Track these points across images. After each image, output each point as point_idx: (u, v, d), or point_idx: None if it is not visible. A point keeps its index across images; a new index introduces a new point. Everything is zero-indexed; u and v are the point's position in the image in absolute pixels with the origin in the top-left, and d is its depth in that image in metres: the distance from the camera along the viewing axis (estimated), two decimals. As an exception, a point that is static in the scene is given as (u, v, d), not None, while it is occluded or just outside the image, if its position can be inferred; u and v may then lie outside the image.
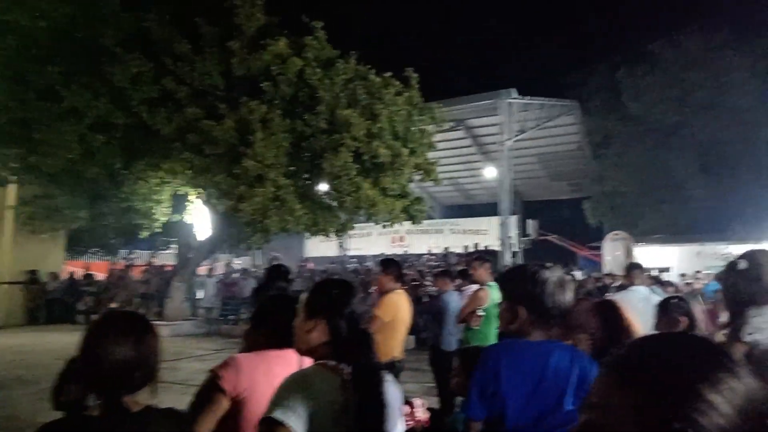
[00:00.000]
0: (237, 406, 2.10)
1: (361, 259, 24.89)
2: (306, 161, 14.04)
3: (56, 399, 2.22)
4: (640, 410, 0.71)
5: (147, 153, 13.86)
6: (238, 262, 22.60)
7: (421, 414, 2.34)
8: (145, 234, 16.67)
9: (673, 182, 21.71)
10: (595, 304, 2.51)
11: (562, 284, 2.06)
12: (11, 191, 15.48)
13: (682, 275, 16.31)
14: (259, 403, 2.08)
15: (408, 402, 2.24)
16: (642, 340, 0.85)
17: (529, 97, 18.84)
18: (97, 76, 12.50)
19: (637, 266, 5.95)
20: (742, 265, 2.63)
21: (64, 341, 12.62)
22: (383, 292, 5.04)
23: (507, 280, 2.23)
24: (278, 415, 1.59)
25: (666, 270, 19.00)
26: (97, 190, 14.36)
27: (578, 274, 18.28)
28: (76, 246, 19.53)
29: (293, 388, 1.66)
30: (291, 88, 13.08)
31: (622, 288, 6.24)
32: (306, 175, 14.40)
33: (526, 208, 28.78)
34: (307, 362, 2.10)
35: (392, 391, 1.78)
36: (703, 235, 19.20)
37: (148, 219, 15.57)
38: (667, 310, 3.64)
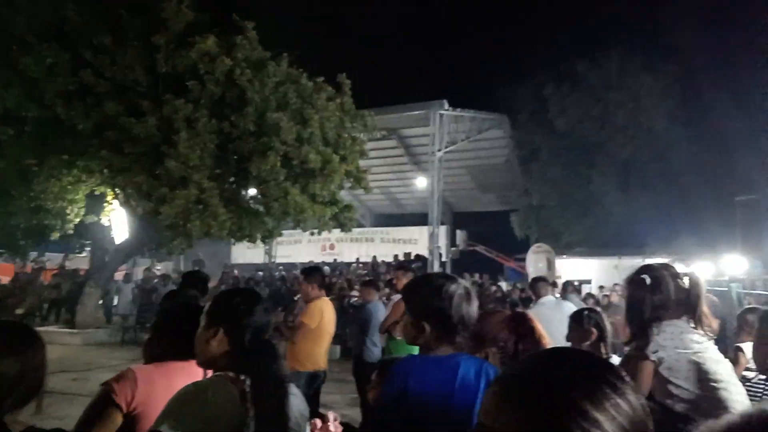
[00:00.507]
0: (131, 421, 1.96)
1: (289, 266, 24.48)
2: (232, 164, 13.63)
3: None
4: (525, 427, 0.71)
5: (61, 149, 13.04)
6: (159, 267, 21.69)
7: (334, 429, 2.21)
8: (56, 235, 15.65)
9: (593, 198, 22.69)
10: (506, 316, 2.46)
11: (468, 297, 2.02)
12: None
13: (601, 287, 16.94)
14: (155, 418, 1.97)
15: (321, 415, 2.14)
16: (530, 356, 0.84)
17: (460, 109, 19.17)
18: (6, 65, 11.66)
19: (539, 279, 6.21)
20: (646, 280, 2.62)
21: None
22: (308, 301, 4.98)
23: (411, 293, 2.15)
24: (168, 427, 1.50)
25: (587, 282, 19.73)
26: (3, 186, 13.38)
27: (504, 285, 18.71)
28: (-23, 246, 18.13)
29: (185, 400, 1.58)
30: (219, 88, 12.67)
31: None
32: (232, 179, 13.98)
33: (456, 219, 29.27)
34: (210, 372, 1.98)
35: (296, 403, 1.72)
36: (621, 249, 20.09)
37: (61, 219, 14.64)
38: (579, 321, 3.70)
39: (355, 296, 13.29)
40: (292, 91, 13.23)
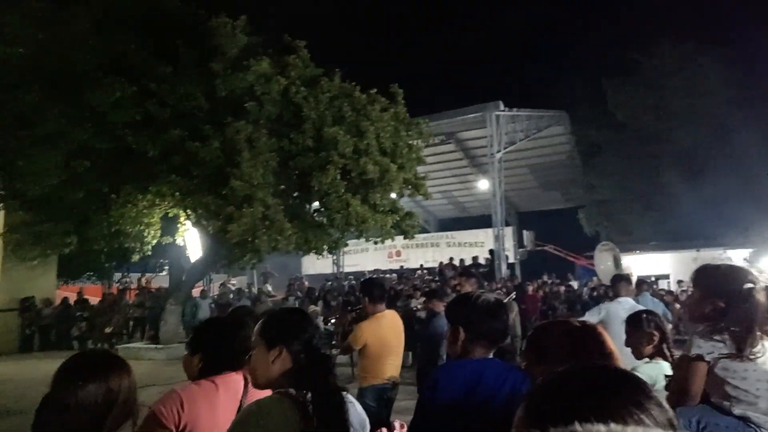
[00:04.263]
0: None
1: (358, 275, 24.77)
2: (294, 180, 14.01)
3: None
4: None
5: (134, 177, 13.80)
6: (233, 282, 22.49)
7: None
8: (136, 257, 16.59)
9: (660, 189, 21.74)
10: (570, 329, 2.35)
11: (496, 308, 2.24)
12: (-1, 219, 15.44)
13: (680, 282, 16.23)
14: None
15: (387, 423, 2.22)
16: (556, 372, 0.83)
17: (516, 109, 18.90)
18: (76, 102, 12.46)
19: (623, 278, 5.92)
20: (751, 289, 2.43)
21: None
22: (366, 315, 4.93)
23: (452, 305, 2.44)
24: None
25: (665, 277, 18.93)
26: (84, 214, 14.29)
27: (575, 284, 18.22)
28: (69, 271, 19.43)
29: (250, 419, 1.64)
30: (276, 108, 13.09)
31: (612, 299, 6.20)
32: (295, 194, 14.36)
33: (522, 219, 28.78)
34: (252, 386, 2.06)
35: (355, 413, 1.77)
36: (699, 241, 19.15)
37: (139, 242, 15.50)
38: (638, 324, 3.56)
39: (419, 306, 13.31)
40: (347, 105, 13.48)
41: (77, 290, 19.90)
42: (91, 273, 21.01)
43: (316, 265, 26.64)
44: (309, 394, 1.67)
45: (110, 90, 12.29)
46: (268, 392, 1.79)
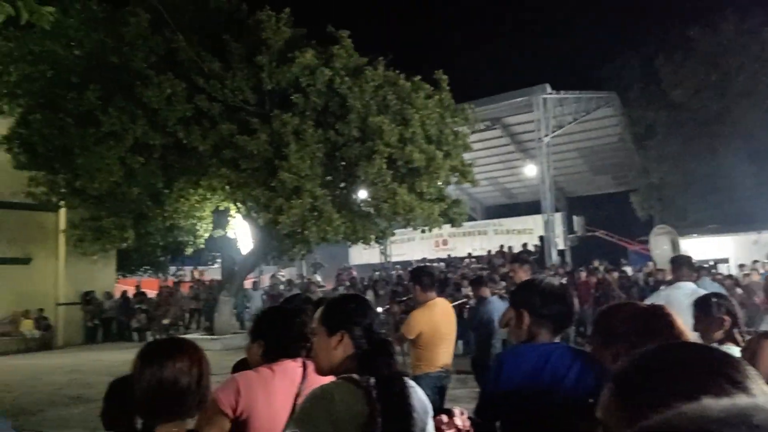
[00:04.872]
0: (239, 426, 2.10)
1: (405, 264, 24.79)
2: (341, 170, 14.11)
3: (106, 421, 2.37)
4: (633, 424, 0.69)
5: (186, 171, 14.20)
6: (282, 273, 22.86)
7: (461, 422, 2.28)
8: (190, 250, 17.11)
9: (720, 171, 20.84)
10: (637, 310, 2.27)
11: (561, 291, 2.25)
12: (62, 216, 16.11)
13: (741, 266, 15.59)
14: (260, 421, 2.11)
15: (447, 411, 2.22)
16: (642, 352, 0.81)
17: (563, 92, 18.46)
18: (132, 99, 12.89)
19: (684, 261, 5.65)
20: None
21: (119, 359, 13.01)
22: (417, 303, 4.89)
23: (517, 289, 2.49)
24: (302, 429, 1.62)
25: (724, 261, 18.22)
26: (140, 210, 14.80)
27: (629, 270, 17.73)
28: (126, 265, 20.16)
29: (315, 403, 1.67)
30: (321, 99, 13.19)
31: (670, 284, 5.95)
32: (342, 185, 14.46)
33: (571, 205, 28.15)
34: (312, 372, 2.07)
35: (418, 398, 1.77)
36: (760, 223, 18.33)
37: (192, 235, 15.98)
38: (708, 309, 3.39)
39: (467, 294, 13.22)
40: (391, 94, 13.45)
41: (135, 283, 20.64)
42: (148, 266, 21.74)
43: (363, 255, 26.77)
44: (372, 379, 1.68)
45: (162, 87, 12.64)
46: (327, 379, 1.80)
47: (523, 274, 5.58)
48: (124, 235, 14.37)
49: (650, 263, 16.36)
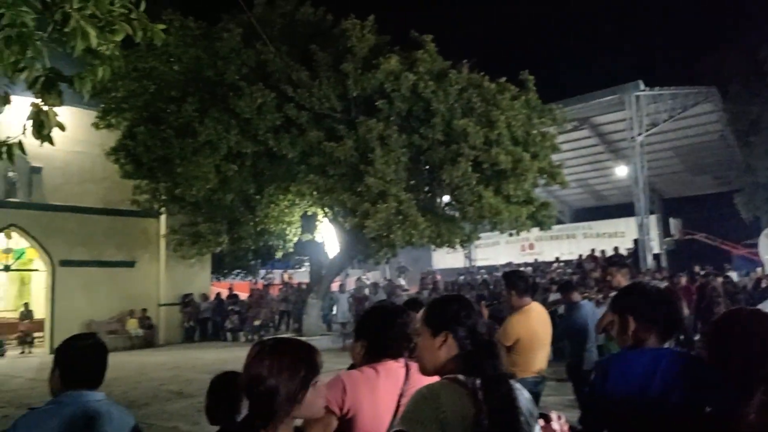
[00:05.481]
0: (346, 424, 2.13)
1: (489, 269, 24.45)
2: (425, 174, 14.14)
3: (210, 416, 2.50)
4: None
5: (275, 178, 14.73)
6: (367, 276, 23.15)
7: (558, 428, 2.20)
8: (280, 254, 17.69)
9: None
10: (761, 317, 2.13)
11: (668, 295, 2.22)
12: (162, 222, 17.15)
13: None
14: (367, 419, 2.13)
15: (544, 415, 2.15)
16: None
17: (658, 88, 17.56)
18: (226, 110, 13.55)
19: None
20: None
21: (215, 357, 13.66)
22: (511, 307, 4.79)
23: (620, 294, 2.39)
24: (410, 428, 1.61)
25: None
26: (234, 215, 15.50)
27: (734, 276, 16.59)
28: (220, 268, 21.10)
29: (423, 403, 1.67)
30: (405, 104, 13.28)
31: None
32: (426, 188, 14.48)
33: (667, 206, 26.80)
34: (415, 372, 2.07)
35: (524, 400, 1.74)
36: None
37: (282, 240, 16.52)
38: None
39: (556, 298, 12.83)
40: (476, 96, 13.34)
41: (227, 286, 21.55)
42: (239, 270, 22.67)
43: (446, 259, 26.64)
44: (478, 381, 1.65)
45: (254, 97, 13.19)
46: (430, 379, 1.78)
47: (621, 278, 5.33)
48: (219, 240, 15.10)
49: (759, 268, 15.25)
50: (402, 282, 21.46)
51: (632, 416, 2.00)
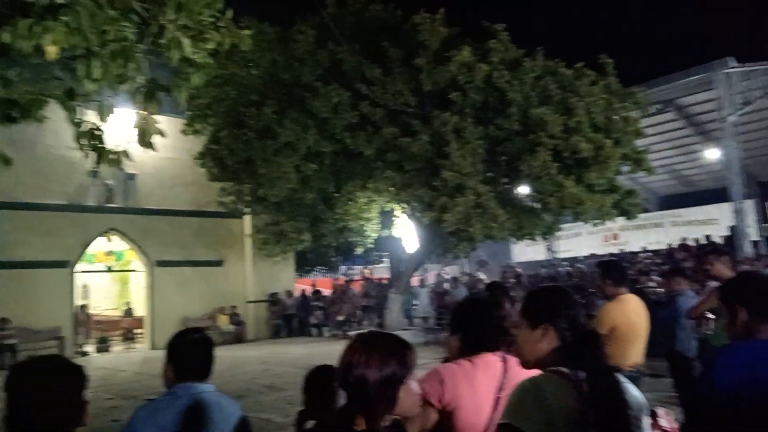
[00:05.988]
0: (446, 417, 2.13)
1: (572, 261, 23.74)
2: (503, 166, 13.94)
3: (308, 409, 2.61)
4: None
5: (353, 175, 14.99)
6: (446, 271, 23.09)
7: (667, 424, 2.13)
8: (360, 250, 18.01)
9: None
10: None
11: None
12: (247, 221, 17.83)
13: None
14: (467, 412, 2.12)
15: (651, 411, 2.08)
16: None
17: (751, 63, 16.43)
18: (303, 111, 13.91)
19: None
20: None
21: (302, 352, 14.08)
22: (605, 297, 4.66)
23: (730, 284, 2.31)
24: (515, 421, 1.60)
25: None
26: (315, 213, 15.92)
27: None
28: (302, 265, 21.71)
29: (526, 395, 1.65)
30: (480, 95, 13.13)
31: None
32: (505, 180, 14.27)
33: (764, 190, 25.03)
34: (514, 365, 2.07)
35: (631, 393, 1.69)
36: None
37: (362, 236, 16.80)
38: None
39: (651, 286, 12.31)
40: (552, 83, 13.00)
41: (310, 283, 22.12)
42: (321, 266, 23.24)
43: (526, 251, 26.07)
44: (582, 373, 1.61)
45: (329, 97, 13.47)
46: (530, 372, 1.76)
47: (722, 267, 5.05)
48: (302, 238, 15.56)
49: None
50: (482, 276, 21.26)
51: (742, 410, 1.92)
